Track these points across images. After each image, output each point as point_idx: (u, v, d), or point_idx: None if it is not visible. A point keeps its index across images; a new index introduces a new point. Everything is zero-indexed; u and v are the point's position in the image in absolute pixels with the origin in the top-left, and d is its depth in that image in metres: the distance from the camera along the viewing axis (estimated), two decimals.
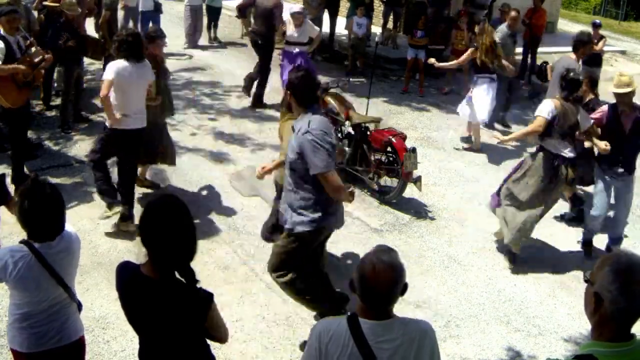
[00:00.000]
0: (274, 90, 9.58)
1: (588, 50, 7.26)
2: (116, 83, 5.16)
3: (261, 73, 9.11)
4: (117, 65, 5.19)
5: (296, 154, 3.80)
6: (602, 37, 10.63)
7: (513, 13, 8.76)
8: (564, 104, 5.33)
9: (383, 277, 2.18)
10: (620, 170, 5.59)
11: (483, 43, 7.84)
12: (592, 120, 5.53)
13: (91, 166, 5.60)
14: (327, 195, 3.87)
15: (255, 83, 9.17)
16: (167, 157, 6.38)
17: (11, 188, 5.88)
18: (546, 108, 5.35)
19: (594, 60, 9.78)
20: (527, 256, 5.71)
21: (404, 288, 2.25)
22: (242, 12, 9.33)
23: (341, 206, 4.17)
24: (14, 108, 5.89)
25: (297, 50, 8.70)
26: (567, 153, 5.37)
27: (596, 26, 10.73)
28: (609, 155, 5.44)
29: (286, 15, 8.77)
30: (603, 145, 5.41)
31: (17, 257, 2.75)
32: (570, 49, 7.19)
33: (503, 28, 8.70)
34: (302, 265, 4.12)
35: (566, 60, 6.92)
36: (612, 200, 5.84)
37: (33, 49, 6.02)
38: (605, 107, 5.66)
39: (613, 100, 5.60)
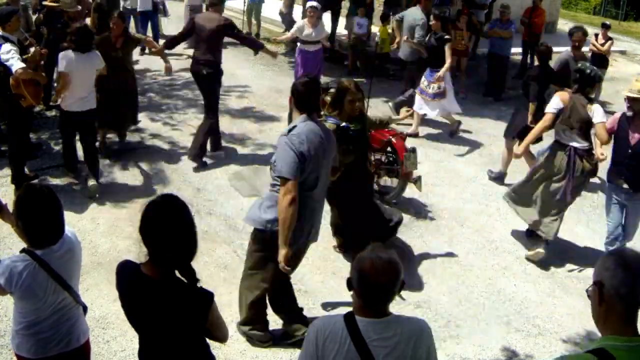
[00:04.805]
0: (275, 90, 9.58)
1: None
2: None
3: (212, 115, 7.10)
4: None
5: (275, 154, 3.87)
6: (609, 38, 10.58)
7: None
8: (573, 96, 5.33)
9: (382, 273, 2.18)
10: (625, 186, 5.07)
11: None
12: (604, 121, 5.20)
13: None
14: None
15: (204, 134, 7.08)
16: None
17: (11, 188, 5.93)
18: (552, 103, 5.45)
19: (599, 62, 9.77)
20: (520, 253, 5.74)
21: (401, 285, 2.25)
22: (172, 45, 7.43)
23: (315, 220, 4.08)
24: (21, 107, 5.88)
25: (313, 49, 8.62)
26: (579, 144, 5.32)
27: (605, 27, 10.70)
28: (613, 166, 5.13)
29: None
30: (599, 152, 5.25)
31: (21, 267, 2.72)
32: (570, 48, 7.17)
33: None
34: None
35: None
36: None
37: (32, 49, 6.02)
38: (618, 114, 5.25)
39: (614, 102, 5.60)
